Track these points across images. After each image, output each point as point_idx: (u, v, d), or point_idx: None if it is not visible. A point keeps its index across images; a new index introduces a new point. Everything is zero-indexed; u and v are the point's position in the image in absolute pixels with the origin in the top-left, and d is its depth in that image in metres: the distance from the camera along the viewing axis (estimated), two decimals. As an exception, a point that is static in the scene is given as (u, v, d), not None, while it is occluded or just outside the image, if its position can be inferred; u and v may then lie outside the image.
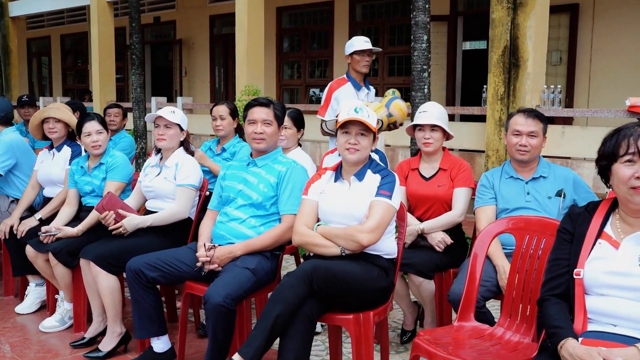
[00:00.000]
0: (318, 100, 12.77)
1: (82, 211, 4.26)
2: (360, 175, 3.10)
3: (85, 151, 4.30)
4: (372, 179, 3.07)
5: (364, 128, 3.03)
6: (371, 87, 5.42)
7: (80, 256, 3.73)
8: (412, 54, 6.18)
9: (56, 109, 4.49)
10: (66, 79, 18.03)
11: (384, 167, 3.14)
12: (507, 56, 7.49)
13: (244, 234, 3.34)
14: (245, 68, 10.05)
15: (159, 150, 4.04)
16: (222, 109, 4.76)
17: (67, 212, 4.23)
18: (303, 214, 3.15)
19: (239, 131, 4.84)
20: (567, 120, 8.15)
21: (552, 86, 7.56)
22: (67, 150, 4.53)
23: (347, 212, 3.04)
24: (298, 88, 12.83)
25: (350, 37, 5.35)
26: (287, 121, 4.17)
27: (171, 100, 13.12)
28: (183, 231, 3.92)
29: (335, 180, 3.17)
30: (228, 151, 4.69)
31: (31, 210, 4.66)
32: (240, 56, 10.09)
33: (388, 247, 3.07)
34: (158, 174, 3.95)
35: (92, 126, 4.13)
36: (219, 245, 3.30)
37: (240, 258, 3.23)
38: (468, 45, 10.93)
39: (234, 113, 4.78)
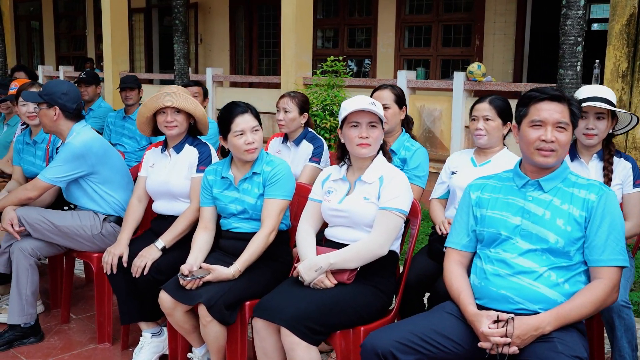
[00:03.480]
0: (358, 74, 11.55)
1: (223, 238, 3.08)
2: None
3: (226, 152, 3.10)
4: None
5: None
6: None
7: (256, 316, 2.58)
8: (564, 24, 5.04)
9: (174, 94, 3.25)
10: (60, 45, 16.40)
11: None
12: (633, 26, 6.39)
13: (546, 297, 2.22)
14: (292, 36, 8.82)
15: (341, 157, 2.87)
16: (386, 95, 3.57)
17: (206, 240, 3.05)
18: None
19: (406, 125, 3.69)
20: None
21: (683, 62, 6.50)
22: (191, 152, 3.30)
23: None
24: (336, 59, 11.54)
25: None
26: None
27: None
28: (393, 275, 2.79)
29: None
30: (398, 155, 3.52)
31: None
32: (287, 23, 8.84)
33: None
34: (349, 192, 2.79)
35: (245, 121, 2.93)
36: (513, 314, 2.17)
37: (555, 338, 2.12)
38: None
39: (401, 100, 3.61)
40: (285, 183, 2.97)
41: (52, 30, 16.28)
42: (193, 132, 3.38)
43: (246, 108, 2.96)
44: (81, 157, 3.40)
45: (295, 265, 2.73)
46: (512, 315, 2.15)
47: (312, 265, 2.64)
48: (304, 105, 4.03)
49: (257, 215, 2.98)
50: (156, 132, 3.40)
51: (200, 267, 2.85)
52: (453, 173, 3.32)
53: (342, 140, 2.82)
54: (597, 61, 7.06)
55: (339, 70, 6.43)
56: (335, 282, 2.64)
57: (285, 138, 4.09)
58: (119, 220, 3.56)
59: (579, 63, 5.12)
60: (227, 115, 2.95)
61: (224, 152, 3.13)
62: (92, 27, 15.27)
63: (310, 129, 4.09)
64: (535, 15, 9.72)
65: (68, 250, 3.62)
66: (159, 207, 3.38)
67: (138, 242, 3.29)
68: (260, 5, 12.49)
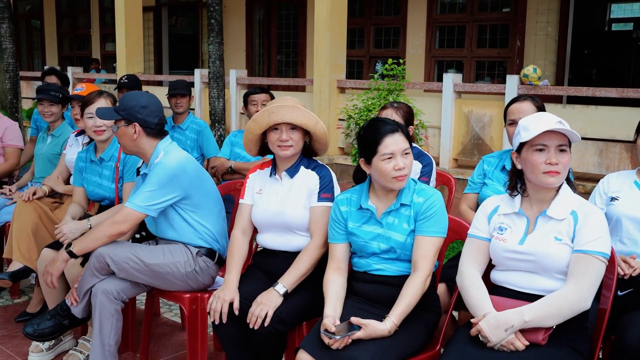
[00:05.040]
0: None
1: (359, 281, 2.57)
2: None
3: (361, 177, 2.59)
4: None
5: None
6: None
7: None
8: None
9: (291, 108, 2.72)
10: (62, 45, 15.75)
11: None
12: None
13: None
14: (327, 37, 8.34)
15: (514, 186, 2.38)
16: (527, 108, 3.10)
17: (341, 285, 2.55)
18: None
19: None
20: None
21: None
22: (309, 177, 2.78)
23: None
24: (361, 60, 11.08)
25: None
26: None
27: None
28: (587, 331, 2.30)
29: None
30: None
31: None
32: (321, 22, 8.35)
33: None
34: (528, 230, 2.30)
35: (396, 143, 2.43)
36: None
37: None
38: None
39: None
40: (442, 217, 2.47)
41: (54, 29, 15.66)
42: (307, 152, 2.86)
43: (396, 126, 2.45)
44: (175, 178, 2.89)
45: (473, 321, 2.23)
46: None
47: (500, 323, 2.14)
48: (409, 117, 3.54)
49: (406, 255, 2.48)
50: (263, 151, 2.88)
51: (348, 321, 2.34)
52: (613, 199, 2.83)
53: (519, 166, 2.33)
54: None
55: (398, 73, 5.93)
56: (527, 343, 2.15)
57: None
58: (210, 254, 3.05)
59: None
60: (374, 135, 2.44)
61: (358, 178, 2.62)
62: (97, 26, 14.70)
63: (414, 144, 3.60)
64: (577, 14, 9.30)
65: (150, 289, 3.10)
66: (268, 240, 2.86)
67: (246, 283, 2.77)
68: (280, 4, 11.96)
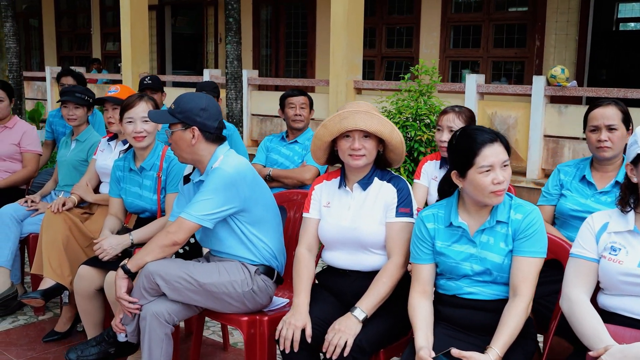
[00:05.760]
0: (389, 76, 10.82)
1: (446, 305, 2.32)
2: None
3: (447, 190, 2.35)
4: None
5: None
6: None
7: None
8: None
9: (365, 114, 2.46)
10: (61, 44, 15.40)
11: None
12: None
13: None
14: (344, 36, 8.09)
15: (627, 201, 2.14)
16: (612, 113, 2.83)
17: (429, 310, 2.30)
18: None
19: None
20: None
21: None
22: (385, 190, 2.52)
23: None
24: (372, 60, 10.82)
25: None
26: None
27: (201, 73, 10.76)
28: None
29: None
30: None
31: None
32: (338, 21, 8.10)
33: None
34: (624, 249, 2.07)
35: (495, 154, 2.19)
36: None
37: None
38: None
39: (628, 119, 2.88)
40: (542, 236, 2.23)
41: (52, 28, 15.29)
42: (379, 163, 2.61)
43: (495, 135, 2.21)
44: (233, 186, 2.63)
45: (592, 354, 1.99)
46: None
47: (629, 357, 1.91)
48: (471, 122, 3.30)
49: (504, 277, 2.24)
50: (332, 160, 2.63)
51: (444, 351, 2.09)
52: None
53: (634, 180, 2.10)
54: None
55: (430, 74, 5.68)
56: (657, 380, 1.91)
57: (444, 162, 3.35)
58: (268, 272, 2.79)
59: None
60: (470, 144, 2.19)
61: (444, 191, 2.38)
62: (98, 25, 14.36)
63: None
64: (597, 14, 9.10)
65: (202, 310, 2.83)
66: (337, 258, 2.61)
67: (315, 307, 2.52)
68: (288, 3, 11.69)
